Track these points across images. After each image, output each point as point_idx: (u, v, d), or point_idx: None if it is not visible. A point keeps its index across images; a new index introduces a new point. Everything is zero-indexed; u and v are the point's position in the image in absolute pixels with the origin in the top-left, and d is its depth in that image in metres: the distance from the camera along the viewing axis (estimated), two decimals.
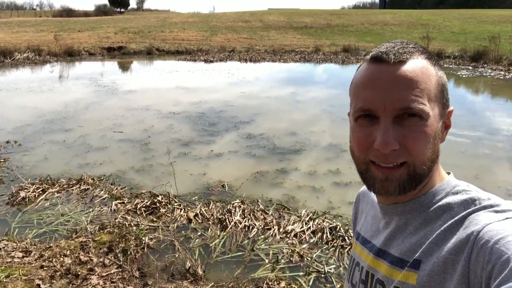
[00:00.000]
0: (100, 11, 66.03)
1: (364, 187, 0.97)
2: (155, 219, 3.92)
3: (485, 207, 0.68)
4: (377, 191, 0.75)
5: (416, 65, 0.71)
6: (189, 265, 3.12)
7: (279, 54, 19.44)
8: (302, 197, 4.47)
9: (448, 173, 0.81)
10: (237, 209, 4.02)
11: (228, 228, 3.74)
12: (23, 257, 3.17)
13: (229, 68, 15.10)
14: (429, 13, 38.03)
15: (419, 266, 0.69)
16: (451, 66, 15.93)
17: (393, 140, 0.68)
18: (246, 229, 3.75)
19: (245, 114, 8.18)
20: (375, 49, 0.75)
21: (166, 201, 4.24)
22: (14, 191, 4.45)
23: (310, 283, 3.01)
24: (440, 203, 0.74)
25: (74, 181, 4.75)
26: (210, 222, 3.84)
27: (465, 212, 0.69)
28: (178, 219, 3.92)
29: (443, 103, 0.74)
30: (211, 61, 17.11)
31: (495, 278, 0.57)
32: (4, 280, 2.80)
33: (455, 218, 0.69)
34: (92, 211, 4.07)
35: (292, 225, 3.81)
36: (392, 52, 0.71)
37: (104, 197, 4.39)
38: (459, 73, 14.10)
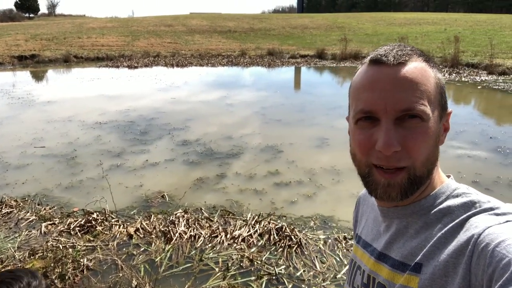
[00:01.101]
0: (6, 16, 60.37)
1: (364, 191, 0.97)
2: (92, 238, 3.65)
3: (485, 210, 0.69)
4: (379, 197, 0.75)
5: (416, 67, 0.72)
6: (136, 283, 2.96)
7: (206, 58, 19.34)
8: (245, 201, 4.47)
9: (448, 176, 0.82)
10: (180, 220, 3.90)
11: (173, 240, 3.61)
12: None
13: (155, 74, 14.67)
14: (343, 16, 40.52)
15: (420, 270, 0.69)
16: None
17: (395, 141, 0.69)
18: (192, 239, 3.65)
19: (177, 120, 7.99)
20: (373, 52, 0.76)
21: (102, 218, 3.97)
22: None
23: (263, 286, 3.02)
24: (441, 206, 0.75)
25: None
26: (153, 236, 3.68)
27: (465, 215, 0.70)
28: (118, 235, 3.69)
29: (442, 105, 0.76)
30: (136, 67, 16.49)
31: (496, 281, 0.57)
32: None
33: (456, 221, 0.70)
34: (19, 236, 3.68)
35: (238, 230, 3.79)
36: (391, 54, 0.72)
37: (31, 219, 4.00)
38: None
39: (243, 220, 3.96)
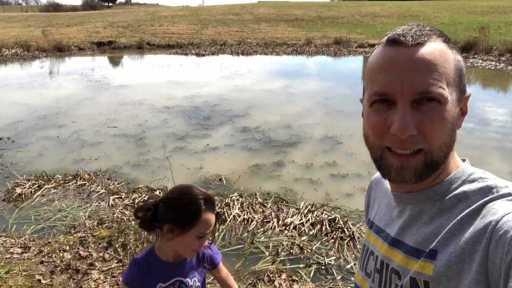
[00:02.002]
0: (88, 5, 65.12)
1: (376, 175, 0.95)
2: None
3: (503, 196, 0.66)
4: (392, 179, 0.73)
5: (435, 48, 0.69)
6: None
7: (271, 47, 19.37)
8: (300, 190, 4.49)
9: (464, 160, 0.79)
10: (235, 203, 4.03)
11: (227, 222, 3.75)
12: (22, 253, 3.15)
13: (221, 62, 15.02)
14: (418, 4, 38.17)
15: (435, 256, 0.67)
16: None
17: (411, 125, 0.66)
18: (245, 222, 3.76)
19: (239, 107, 8.16)
20: (391, 31, 0.73)
21: None
22: (10, 188, 4.40)
23: (311, 275, 3.04)
24: (456, 191, 0.72)
25: (70, 177, 4.71)
26: None
27: (482, 201, 0.67)
28: None
29: (461, 88, 0.72)
30: (203, 55, 17.00)
31: None
32: (4, 276, 2.77)
33: (472, 207, 0.67)
34: (90, 206, 4.05)
35: (291, 217, 3.83)
36: (409, 34, 0.69)
37: (101, 192, 4.37)
38: None
39: (296, 209, 3.98)
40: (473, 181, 0.72)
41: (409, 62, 0.68)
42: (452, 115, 0.70)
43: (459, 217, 0.67)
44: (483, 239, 0.61)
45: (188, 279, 1.41)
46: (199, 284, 1.44)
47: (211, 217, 1.34)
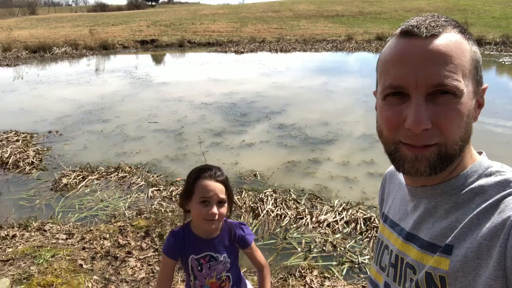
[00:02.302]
0: (132, 5, 67.33)
1: (391, 168, 0.94)
2: None
3: None
4: (406, 171, 0.72)
5: (450, 39, 0.67)
6: None
7: (310, 43, 19.21)
8: (335, 187, 4.44)
9: (480, 153, 0.76)
10: (269, 198, 4.05)
11: (260, 216, 3.77)
12: (66, 239, 3.34)
13: (259, 59, 15.08)
14: None
15: (451, 251, 0.66)
16: (492, 52, 15.23)
17: (425, 118, 0.65)
18: (278, 218, 3.77)
19: (276, 104, 8.16)
20: (404, 23, 0.71)
21: None
22: (57, 178, 4.67)
23: (343, 272, 3.00)
24: (472, 185, 0.70)
25: (112, 169, 4.92)
26: (243, 210, 3.89)
27: (499, 195, 0.65)
28: None
29: (477, 80, 0.70)
30: (242, 52, 17.14)
31: None
32: (50, 259, 2.96)
33: (489, 201, 0.65)
34: (130, 197, 4.21)
35: (324, 215, 3.79)
36: (423, 26, 0.67)
37: (141, 184, 4.54)
38: (501, 60, 13.45)
39: (330, 206, 3.94)
40: (490, 174, 0.70)
41: (423, 54, 0.66)
42: (468, 108, 0.68)
43: (475, 212, 0.66)
44: (501, 235, 0.60)
45: (218, 255, 1.53)
46: (228, 260, 1.55)
47: (210, 183, 1.46)
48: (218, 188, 1.46)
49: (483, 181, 0.69)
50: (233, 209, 1.60)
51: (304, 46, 18.46)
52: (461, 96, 0.66)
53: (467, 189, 0.70)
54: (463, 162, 0.73)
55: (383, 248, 0.87)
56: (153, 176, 4.76)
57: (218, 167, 1.54)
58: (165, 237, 3.38)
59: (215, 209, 1.45)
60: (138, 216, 3.76)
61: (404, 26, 0.70)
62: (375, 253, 0.91)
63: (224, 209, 1.49)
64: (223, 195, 1.47)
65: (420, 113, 0.65)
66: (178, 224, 3.58)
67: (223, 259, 1.54)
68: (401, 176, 0.87)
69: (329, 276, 2.93)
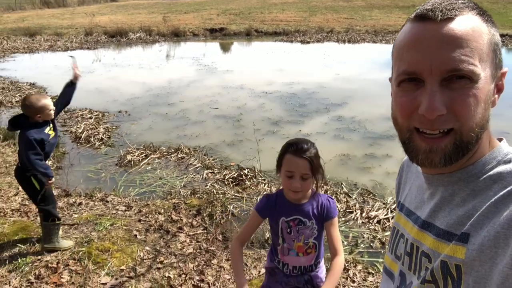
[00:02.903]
0: None
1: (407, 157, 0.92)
2: (240, 190, 4.11)
3: None
4: (420, 163, 0.70)
5: (466, 22, 0.64)
6: (268, 235, 3.24)
7: (381, 34, 18.42)
8: (390, 185, 4.28)
9: (500, 140, 0.73)
10: (319, 190, 4.01)
11: None
12: (125, 210, 3.60)
13: (325, 49, 14.80)
14: None
15: (467, 240, 0.64)
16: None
17: (440, 105, 0.63)
18: None
19: (337, 96, 8.00)
20: (420, 7, 0.69)
21: (252, 174, 4.42)
22: (122, 155, 5.03)
23: (384, 262, 2.91)
24: (491, 172, 0.67)
25: (173, 150, 5.18)
26: None
27: None
28: (262, 192, 4.06)
29: (496, 63, 0.67)
30: (308, 42, 16.92)
31: None
32: (109, 228, 3.22)
33: (508, 189, 0.62)
34: (186, 177, 4.42)
35: (376, 211, 3.69)
36: (438, 9, 0.65)
37: (197, 166, 4.73)
38: None
39: (383, 203, 3.83)
40: (509, 161, 0.67)
41: (437, 39, 0.64)
42: (485, 92, 0.65)
43: (493, 199, 0.63)
44: None
45: (306, 220, 1.65)
46: (316, 226, 1.66)
47: (296, 159, 1.56)
48: (301, 164, 1.55)
49: (501, 168, 0.67)
50: (321, 183, 1.70)
51: (375, 37, 17.75)
52: (478, 81, 0.63)
53: (485, 176, 0.68)
54: (481, 149, 0.70)
55: (398, 236, 0.86)
56: (209, 159, 4.94)
57: (308, 141, 1.62)
58: (214, 217, 3.52)
59: (298, 183, 1.57)
60: (192, 196, 3.94)
61: (419, 10, 0.68)
62: (390, 242, 0.90)
63: (308, 183, 1.59)
64: (306, 171, 1.56)
65: (435, 99, 0.64)
66: (228, 206, 3.70)
67: (311, 225, 1.66)
68: None
69: (373, 272, 2.87)
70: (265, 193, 1.59)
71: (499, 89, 0.70)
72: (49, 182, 2.77)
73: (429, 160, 0.68)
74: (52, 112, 2.77)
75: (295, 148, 1.57)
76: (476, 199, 0.67)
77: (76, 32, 18.51)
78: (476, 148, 0.69)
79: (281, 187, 1.71)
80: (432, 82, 0.65)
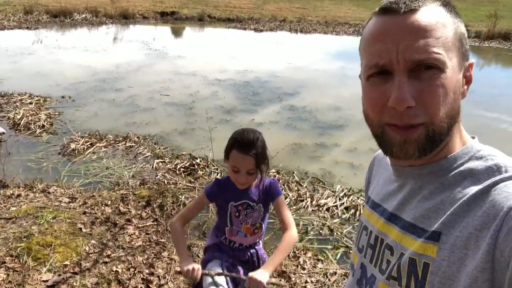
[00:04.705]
0: None
1: (379, 151, 0.90)
2: (192, 180, 4.04)
3: None
4: (395, 155, 0.69)
5: (430, 13, 0.65)
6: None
7: (332, 26, 18.81)
8: (339, 173, 4.41)
9: (473, 138, 0.74)
10: None
11: None
12: (69, 202, 3.41)
13: (278, 38, 14.87)
14: None
15: (439, 238, 0.63)
16: None
17: (408, 96, 0.63)
18: None
19: (290, 85, 8.08)
20: (384, 0, 0.69)
21: (204, 164, 4.36)
22: (65, 143, 4.75)
23: (337, 256, 3.01)
24: (461, 168, 0.68)
25: (121, 138, 4.98)
26: None
27: (490, 181, 0.63)
28: None
29: (462, 53, 0.68)
30: (261, 30, 16.90)
31: None
32: (51, 221, 3.04)
33: (480, 187, 0.63)
34: (135, 167, 4.27)
35: (325, 199, 3.79)
36: (402, 1, 0.66)
37: (147, 155, 4.58)
38: None
39: (332, 191, 3.94)
40: (480, 158, 0.68)
41: (402, 30, 0.64)
42: (454, 82, 0.65)
43: (465, 198, 0.63)
44: (492, 226, 0.58)
45: (254, 204, 1.74)
46: (263, 209, 1.78)
47: (242, 156, 1.62)
48: (247, 160, 1.62)
49: (472, 164, 0.67)
50: (266, 172, 1.76)
51: (325, 29, 18.09)
52: (445, 70, 0.64)
53: (455, 171, 0.68)
54: (453, 143, 0.71)
55: (361, 229, 0.86)
56: (159, 148, 4.80)
57: (254, 133, 1.67)
58: (165, 208, 3.44)
59: (243, 178, 1.66)
60: (141, 186, 3.82)
61: (383, 3, 0.68)
62: (356, 235, 0.90)
63: (253, 177, 1.68)
64: (251, 167, 1.64)
65: (403, 90, 0.63)
66: (180, 196, 3.63)
67: (258, 208, 1.76)
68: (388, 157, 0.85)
69: (322, 258, 2.95)
70: (216, 177, 1.68)
71: (467, 81, 0.71)
72: None
73: (404, 152, 0.67)
74: None
75: (242, 144, 1.62)
76: (445, 193, 0.67)
77: (14, 9, 17.12)
78: (447, 141, 0.69)
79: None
80: (399, 74, 0.65)
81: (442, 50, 0.64)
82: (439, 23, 0.65)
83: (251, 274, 1.51)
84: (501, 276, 0.56)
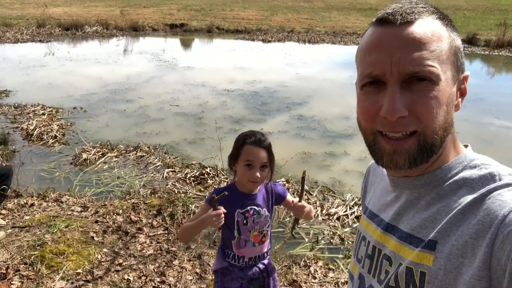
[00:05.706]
0: None
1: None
2: (202, 189, 4.07)
3: (508, 185, 0.62)
4: (385, 165, 0.70)
5: (426, 26, 0.66)
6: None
7: (340, 36, 18.87)
8: (349, 182, 4.40)
9: (466, 146, 0.75)
10: None
11: None
12: (81, 211, 3.45)
13: (286, 49, 14.95)
14: None
15: (435, 247, 0.64)
16: None
17: (401, 106, 0.64)
18: None
19: (298, 95, 8.11)
20: (382, 11, 0.70)
21: (214, 173, 4.38)
22: (77, 153, 4.82)
23: (349, 266, 2.99)
24: (456, 177, 0.68)
25: (131, 148, 5.03)
26: None
27: (484, 190, 0.63)
28: None
29: (457, 66, 0.69)
30: (269, 41, 17.02)
31: None
32: (64, 230, 3.08)
33: (474, 196, 0.63)
34: (146, 176, 4.31)
35: (335, 208, 3.78)
36: (398, 13, 0.66)
37: (157, 164, 4.63)
38: None
39: (342, 200, 3.93)
40: (474, 167, 0.69)
41: (397, 42, 0.65)
42: (447, 95, 0.66)
43: (460, 207, 0.64)
44: (488, 234, 0.58)
45: (260, 209, 1.73)
46: (268, 214, 1.77)
47: (255, 149, 1.62)
48: (261, 153, 1.63)
49: (467, 173, 0.68)
50: (274, 172, 1.76)
51: (333, 39, 18.15)
52: (438, 83, 0.65)
53: (450, 181, 0.69)
54: (446, 153, 0.71)
55: (360, 239, 0.86)
56: (169, 158, 4.85)
57: (262, 133, 1.69)
58: (176, 217, 3.46)
59: (257, 173, 1.63)
60: (152, 195, 3.85)
61: (380, 14, 0.69)
62: (354, 245, 0.90)
63: (266, 172, 1.66)
64: (265, 160, 1.64)
65: (395, 101, 0.64)
66: (190, 205, 3.65)
67: (264, 213, 1.75)
68: None
69: (333, 268, 2.94)
70: (216, 187, 1.68)
71: (462, 93, 0.72)
72: None
73: (394, 162, 0.68)
74: None
75: (254, 139, 1.63)
76: (441, 203, 0.68)
77: (27, 23, 17.53)
78: (440, 152, 0.70)
79: (232, 182, 1.78)
80: (393, 84, 0.66)
81: (436, 63, 0.64)
82: (435, 36, 0.66)
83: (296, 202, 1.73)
84: (498, 284, 0.56)
